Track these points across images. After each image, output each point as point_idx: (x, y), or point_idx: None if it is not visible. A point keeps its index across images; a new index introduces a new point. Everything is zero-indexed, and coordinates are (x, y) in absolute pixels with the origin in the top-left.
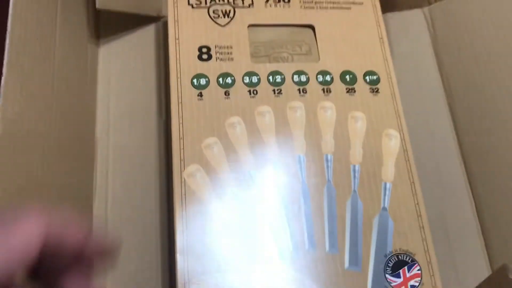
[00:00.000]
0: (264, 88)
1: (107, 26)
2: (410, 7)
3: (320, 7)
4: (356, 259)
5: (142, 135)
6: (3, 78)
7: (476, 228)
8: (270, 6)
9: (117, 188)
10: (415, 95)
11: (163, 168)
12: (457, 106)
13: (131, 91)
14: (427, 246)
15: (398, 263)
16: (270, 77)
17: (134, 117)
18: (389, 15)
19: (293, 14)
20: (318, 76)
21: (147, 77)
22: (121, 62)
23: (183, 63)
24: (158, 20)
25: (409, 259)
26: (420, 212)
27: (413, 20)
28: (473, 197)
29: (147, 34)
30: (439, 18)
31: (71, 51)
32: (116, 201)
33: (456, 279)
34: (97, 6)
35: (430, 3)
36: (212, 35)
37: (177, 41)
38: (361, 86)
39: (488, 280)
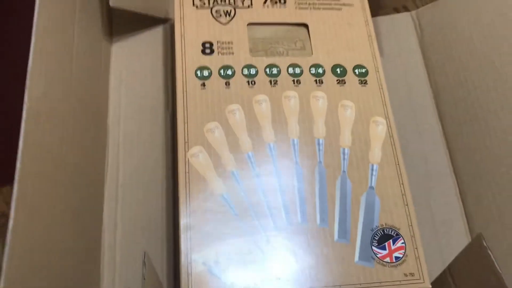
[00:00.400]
0: (262, 79)
1: (119, 26)
2: (399, 11)
3: (313, 8)
4: (344, 232)
5: (150, 124)
6: (29, 62)
7: (460, 212)
8: (268, 6)
9: (127, 170)
10: (403, 91)
11: (169, 154)
12: (442, 100)
13: (140, 85)
14: (411, 221)
15: (384, 237)
16: (267, 69)
17: (143, 108)
18: (379, 18)
19: (289, 14)
20: (311, 68)
21: (155, 72)
22: (131, 58)
23: (188, 57)
24: (166, 22)
25: (394, 233)
26: (404, 191)
27: (402, 23)
28: (458, 183)
29: (155, 35)
30: (426, 20)
31: (87, 45)
32: (126, 182)
33: (440, 255)
34: (110, 3)
35: (417, 7)
36: (214, 32)
37: (182, 38)
38: (350, 78)
39: (466, 249)
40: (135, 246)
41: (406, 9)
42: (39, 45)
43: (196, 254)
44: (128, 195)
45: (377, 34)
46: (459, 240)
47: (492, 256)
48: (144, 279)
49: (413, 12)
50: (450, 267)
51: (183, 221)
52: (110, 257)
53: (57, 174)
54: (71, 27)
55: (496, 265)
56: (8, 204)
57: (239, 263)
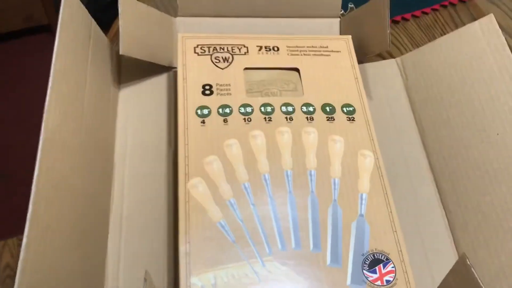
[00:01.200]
0: (257, 116)
1: (127, 74)
2: (384, 57)
3: (304, 54)
4: (336, 257)
5: (153, 161)
6: (47, 97)
7: (449, 240)
8: (262, 53)
9: (131, 203)
10: (390, 129)
11: (171, 188)
12: (427, 137)
13: (145, 126)
14: (400, 247)
15: (374, 261)
16: (262, 108)
17: (147, 146)
18: (367, 64)
19: (281, 59)
20: (303, 107)
21: (158, 115)
22: (137, 102)
23: (189, 97)
24: (170, 70)
25: (384, 258)
26: (393, 218)
27: (388, 68)
28: (445, 213)
29: (160, 81)
30: (410, 65)
31: (97, 89)
32: (130, 214)
33: (432, 280)
34: (120, 52)
35: (402, 54)
36: (213, 76)
37: (184, 80)
38: (339, 115)
39: (452, 270)
40: (138, 276)
41: (391, 55)
42: (56, 85)
43: (194, 278)
44: (132, 227)
45: (365, 78)
46: (449, 266)
47: (475, 273)
48: None
49: (398, 59)
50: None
51: (182, 247)
52: (113, 286)
53: (67, 200)
54: (84, 72)
55: (479, 281)
56: (13, 256)
57: (236, 286)
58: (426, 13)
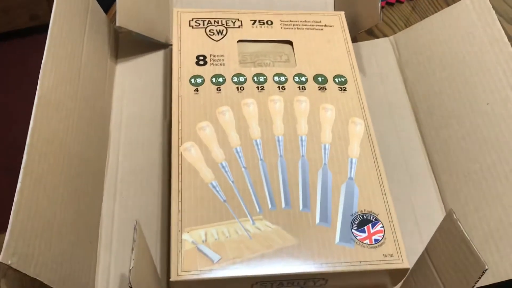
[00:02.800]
0: (250, 85)
1: (124, 49)
2: (379, 37)
3: (297, 28)
4: (326, 216)
5: (148, 131)
6: (43, 58)
7: (439, 207)
8: (256, 27)
9: (125, 169)
10: (383, 104)
11: (166, 157)
12: (419, 110)
13: (141, 97)
14: (389, 208)
15: (363, 221)
16: (255, 77)
17: (142, 117)
18: (361, 43)
19: (275, 33)
20: (295, 77)
21: (155, 88)
22: (134, 76)
23: (183, 67)
24: (167, 47)
25: (372, 218)
26: (382, 181)
27: (381, 46)
28: (436, 181)
29: (157, 57)
30: (403, 43)
31: (94, 60)
32: (124, 178)
33: (422, 245)
34: (117, 23)
35: (395, 32)
36: (207, 47)
37: (179, 52)
38: (331, 85)
39: (440, 227)
40: (131, 235)
41: (384, 35)
42: (52, 48)
43: (185, 234)
44: (126, 190)
45: (359, 56)
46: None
47: (461, 227)
48: (134, 241)
49: (391, 37)
50: (427, 248)
51: (174, 205)
52: (107, 243)
53: (61, 158)
54: (81, 41)
55: (465, 233)
56: None
57: (226, 242)
58: None
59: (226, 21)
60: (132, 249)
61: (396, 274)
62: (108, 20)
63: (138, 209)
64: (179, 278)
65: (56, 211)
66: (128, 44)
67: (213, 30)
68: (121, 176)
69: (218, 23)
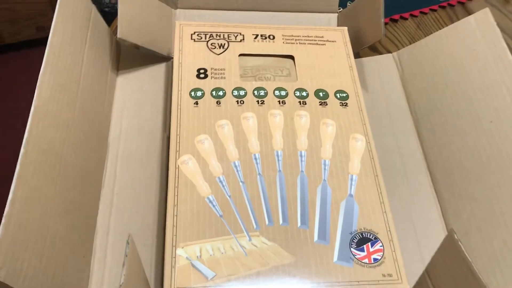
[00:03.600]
0: (250, 99)
1: (126, 62)
2: (382, 53)
3: (299, 43)
4: (324, 234)
5: (148, 143)
6: (42, 68)
7: (441, 226)
8: (258, 41)
9: (123, 181)
10: (385, 119)
11: (164, 170)
12: (422, 127)
13: (141, 110)
14: (389, 226)
15: (362, 240)
16: (255, 91)
17: (142, 129)
18: (364, 59)
19: (277, 47)
20: (296, 91)
21: (155, 102)
22: (135, 88)
23: (184, 80)
24: (169, 60)
25: (372, 237)
26: (382, 199)
27: (385, 62)
28: (438, 200)
29: (158, 70)
30: (406, 59)
31: (94, 71)
32: (121, 190)
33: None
34: (118, 35)
35: (399, 49)
36: (208, 61)
37: (180, 65)
38: (332, 100)
39: (441, 247)
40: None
41: (388, 51)
42: (51, 58)
43: (180, 250)
44: (123, 203)
45: (362, 72)
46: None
47: (462, 247)
48: (126, 256)
49: (395, 53)
50: (427, 268)
51: (169, 220)
52: (101, 257)
53: (56, 169)
54: (81, 51)
55: (466, 254)
56: None
57: (221, 259)
58: (425, 13)
59: (228, 34)
60: (123, 264)
61: None
62: (111, 31)
63: (134, 223)
64: None
65: (49, 223)
66: (130, 56)
67: (214, 43)
68: (118, 189)
69: (220, 36)
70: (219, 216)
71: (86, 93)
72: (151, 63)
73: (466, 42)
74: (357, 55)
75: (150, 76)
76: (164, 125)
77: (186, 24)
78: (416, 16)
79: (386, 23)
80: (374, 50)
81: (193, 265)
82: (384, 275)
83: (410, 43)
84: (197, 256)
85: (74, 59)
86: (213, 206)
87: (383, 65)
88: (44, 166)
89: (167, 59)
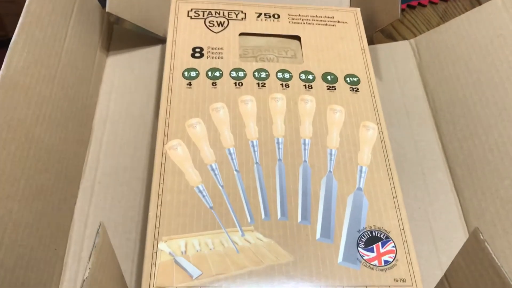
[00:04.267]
0: (249, 81)
1: (118, 42)
2: (398, 40)
3: (307, 23)
4: (328, 231)
5: (136, 129)
6: (13, 36)
7: (462, 228)
8: (261, 20)
9: (106, 168)
10: (400, 110)
11: (152, 159)
12: (441, 118)
13: (131, 93)
14: (402, 225)
15: (372, 239)
16: (256, 73)
17: (131, 114)
18: (378, 46)
19: (282, 27)
20: (301, 74)
21: (148, 85)
22: (126, 70)
23: (177, 59)
24: (165, 42)
25: (383, 236)
26: (396, 194)
27: (401, 49)
28: (459, 199)
29: (153, 52)
30: (424, 45)
31: (80, 48)
32: (104, 179)
33: (441, 272)
34: (107, 9)
35: (415, 36)
36: (205, 39)
37: (174, 43)
38: (341, 85)
39: (463, 249)
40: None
41: (404, 38)
42: (26, 26)
43: (162, 244)
44: (105, 193)
45: (376, 59)
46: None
47: (490, 249)
48: (94, 246)
49: (412, 40)
50: (446, 273)
51: (152, 211)
52: (76, 250)
53: (25, 148)
54: (65, 24)
55: (494, 257)
56: None
57: (209, 255)
58: (445, 0)
59: (228, 12)
60: (90, 257)
61: None
62: (102, 9)
63: (116, 214)
64: None
65: (12, 208)
66: (123, 37)
67: (213, 21)
68: (100, 177)
69: (219, 14)
70: (209, 207)
71: (67, 70)
72: (146, 44)
73: (492, 26)
74: (370, 41)
75: (144, 58)
76: (156, 110)
77: (182, 1)
78: (435, 3)
79: (403, 10)
80: (390, 37)
81: (176, 262)
82: (396, 280)
83: (428, 30)
84: (182, 252)
85: (55, 32)
86: (203, 196)
87: (399, 52)
88: (10, 144)
89: (163, 41)
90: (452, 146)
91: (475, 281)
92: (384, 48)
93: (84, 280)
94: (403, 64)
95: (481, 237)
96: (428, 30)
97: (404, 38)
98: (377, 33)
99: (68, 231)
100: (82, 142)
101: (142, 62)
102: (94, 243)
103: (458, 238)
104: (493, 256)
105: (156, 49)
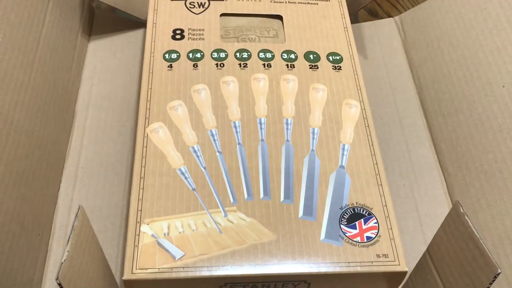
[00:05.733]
0: (231, 62)
1: (99, 26)
2: (383, 17)
3: (288, 2)
4: (310, 209)
5: (119, 114)
6: None
7: (447, 204)
8: (243, 0)
9: (89, 153)
10: (385, 87)
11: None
12: (425, 94)
13: (114, 78)
14: (385, 201)
15: (354, 216)
16: (237, 54)
17: (114, 99)
18: (363, 24)
19: (263, 7)
20: (283, 54)
21: (130, 69)
22: (108, 55)
23: (157, 41)
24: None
25: (365, 212)
26: (378, 171)
27: (385, 27)
28: (443, 175)
29: (135, 36)
30: (409, 23)
31: (59, 33)
32: (87, 164)
33: (425, 244)
34: None
35: (401, 13)
36: (186, 21)
37: (154, 25)
38: (324, 63)
39: (444, 223)
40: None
41: (389, 16)
42: (1, 9)
43: (145, 226)
44: (89, 178)
45: (360, 38)
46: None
47: (469, 222)
48: (73, 229)
49: (396, 17)
50: (429, 248)
51: (134, 193)
52: (61, 236)
53: (3, 134)
54: (43, 8)
55: (474, 230)
56: None
57: (192, 236)
58: None
59: None
60: (69, 240)
61: (392, 278)
62: None
63: (100, 199)
64: (133, 277)
65: None
66: (104, 21)
67: (194, 2)
68: (84, 162)
69: None
70: (191, 189)
71: (47, 55)
72: (128, 28)
73: (476, 1)
74: (355, 19)
75: (126, 43)
76: (138, 95)
77: None
78: None
79: None
80: (374, 14)
81: (159, 244)
82: (378, 256)
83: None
84: (164, 234)
85: (33, 16)
86: (185, 178)
87: (383, 30)
88: None
89: (145, 24)
90: (437, 122)
91: (456, 254)
92: (369, 26)
93: (62, 263)
94: (388, 41)
95: (462, 210)
96: (413, 6)
97: (389, 15)
98: (361, 10)
99: (52, 217)
100: (64, 128)
101: (124, 46)
102: (73, 226)
103: (443, 213)
104: (473, 229)
105: (138, 33)
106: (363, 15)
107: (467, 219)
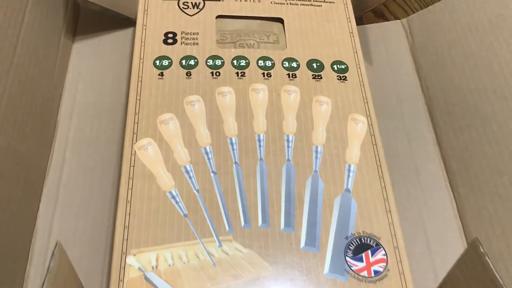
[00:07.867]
0: (228, 70)
1: (85, 25)
2: (390, 19)
3: (290, 3)
4: (313, 239)
5: (106, 123)
6: None
7: (457, 227)
8: (240, 1)
9: (73, 168)
10: (391, 97)
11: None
12: (435, 106)
13: (100, 84)
14: (394, 230)
15: (361, 246)
16: (235, 61)
17: (100, 107)
18: (368, 26)
19: (263, 8)
20: (284, 62)
21: (118, 74)
22: (94, 58)
23: (148, 46)
24: (135, 25)
25: (373, 243)
26: (387, 195)
27: (392, 30)
28: (454, 196)
29: (124, 36)
30: (417, 26)
31: (40, 34)
32: (70, 181)
33: (434, 276)
34: None
35: (408, 15)
36: (179, 23)
37: (144, 28)
38: (328, 73)
39: (460, 261)
40: (72, 255)
41: (396, 18)
42: None
43: (131, 258)
44: (71, 196)
45: (365, 41)
46: (456, 259)
47: (490, 263)
48: (48, 272)
49: (404, 20)
50: (442, 285)
51: (120, 219)
52: (39, 263)
53: None
54: (21, 8)
55: (495, 272)
56: None
57: (183, 270)
58: None
59: None
60: (43, 284)
61: None
62: None
63: (84, 220)
64: None
65: None
66: (90, 20)
67: (187, 2)
68: (66, 178)
69: None
70: (183, 215)
71: (25, 61)
72: (115, 28)
73: (491, 5)
74: (359, 21)
75: (114, 43)
76: (127, 102)
77: None
78: None
79: None
80: (380, 16)
81: (146, 278)
82: None
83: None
84: (152, 267)
85: (9, 17)
86: (176, 202)
87: (390, 33)
88: None
89: (134, 23)
90: (447, 137)
91: None
92: (375, 29)
93: None
94: (395, 46)
95: (481, 250)
96: (421, 8)
97: (396, 17)
98: (367, 12)
99: (30, 241)
100: (44, 141)
101: (112, 48)
102: (48, 268)
103: (453, 238)
104: (495, 272)
105: (127, 32)
106: (368, 16)
107: (488, 259)
